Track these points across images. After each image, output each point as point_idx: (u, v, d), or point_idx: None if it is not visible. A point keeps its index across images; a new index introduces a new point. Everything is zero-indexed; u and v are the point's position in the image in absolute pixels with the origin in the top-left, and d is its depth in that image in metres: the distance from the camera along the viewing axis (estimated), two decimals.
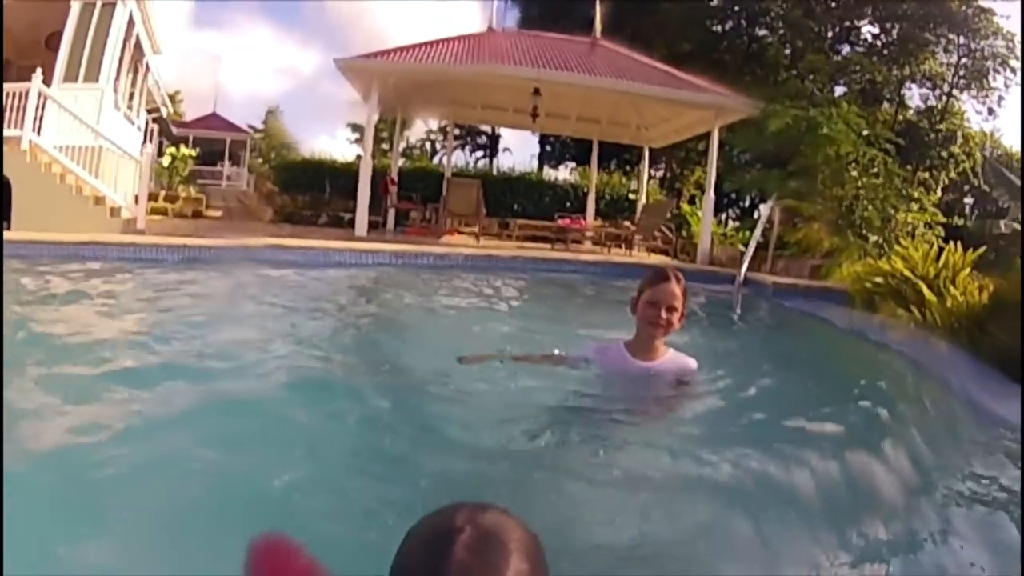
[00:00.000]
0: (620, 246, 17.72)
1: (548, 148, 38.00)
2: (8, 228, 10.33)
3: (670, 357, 4.22)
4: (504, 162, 42.72)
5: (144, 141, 19.35)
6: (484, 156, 45.14)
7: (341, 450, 3.49)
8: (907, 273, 7.99)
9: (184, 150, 23.79)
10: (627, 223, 19.31)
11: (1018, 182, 6.95)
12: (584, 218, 21.00)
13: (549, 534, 2.33)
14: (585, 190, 23.51)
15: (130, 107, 17.99)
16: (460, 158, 39.96)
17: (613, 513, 3.00)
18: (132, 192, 13.11)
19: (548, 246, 17.28)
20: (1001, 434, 4.10)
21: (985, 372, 5.30)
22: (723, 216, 29.83)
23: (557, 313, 8.71)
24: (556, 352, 4.45)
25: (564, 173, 34.90)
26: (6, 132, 11.50)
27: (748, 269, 10.54)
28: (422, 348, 5.81)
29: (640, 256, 16.50)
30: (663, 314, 4.04)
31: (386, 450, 3.59)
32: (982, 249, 7.73)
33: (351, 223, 15.58)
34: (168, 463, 3.12)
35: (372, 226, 15.80)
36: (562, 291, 10.88)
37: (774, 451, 3.55)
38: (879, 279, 8.40)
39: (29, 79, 12.27)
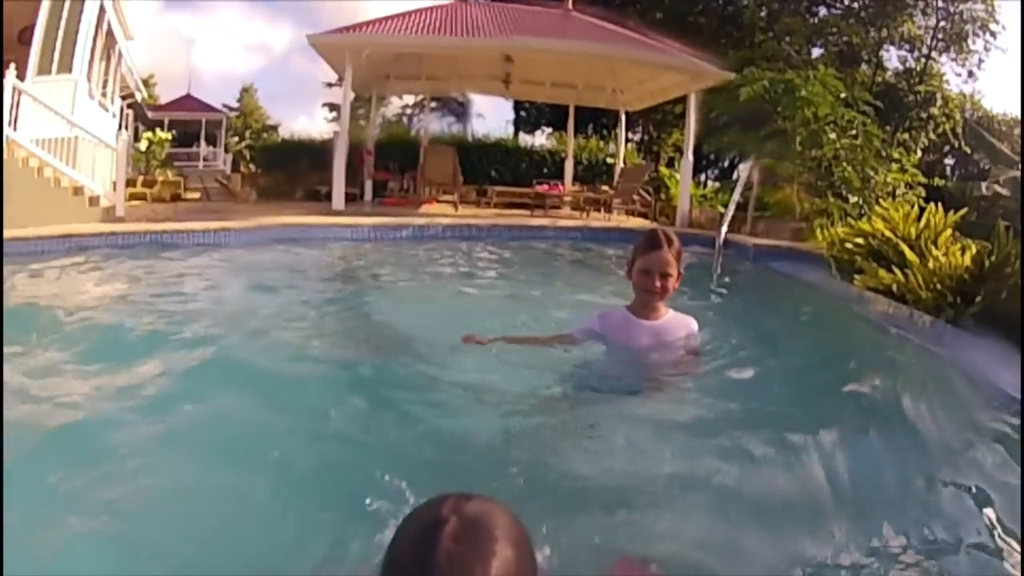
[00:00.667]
0: (599, 210, 17.70)
1: (523, 114, 37.85)
2: None
3: (672, 317, 4.22)
4: (478, 128, 42.67)
5: (120, 127, 19.27)
6: (457, 122, 44.99)
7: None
8: (888, 234, 7.95)
9: (160, 134, 23.61)
10: (605, 187, 19.34)
11: (999, 144, 6.95)
12: (562, 183, 21.02)
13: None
14: (562, 155, 23.45)
15: (104, 94, 17.89)
16: (434, 125, 39.89)
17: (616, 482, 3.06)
18: (110, 180, 13.08)
19: (527, 212, 17.29)
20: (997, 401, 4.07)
21: (966, 338, 5.31)
22: (703, 177, 29.90)
23: (542, 280, 8.79)
24: (558, 331, 4.46)
25: (540, 139, 34.79)
26: None
27: (728, 231, 10.59)
28: (413, 324, 5.74)
29: (619, 220, 16.57)
30: (656, 282, 4.04)
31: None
32: (964, 210, 7.70)
33: (328, 196, 15.57)
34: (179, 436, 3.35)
35: (349, 199, 15.78)
36: (543, 257, 10.98)
37: (758, 429, 3.55)
38: (860, 240, 8.36)
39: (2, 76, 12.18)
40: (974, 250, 6.58)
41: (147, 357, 4.59)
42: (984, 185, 6.55)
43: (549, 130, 35.58)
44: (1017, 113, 36.54)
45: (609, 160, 23.98)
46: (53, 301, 6.29)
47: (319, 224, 11.15)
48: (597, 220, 15.88)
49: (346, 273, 9.06)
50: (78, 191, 12.05)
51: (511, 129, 37.19)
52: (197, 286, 7.47)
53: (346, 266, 9.49)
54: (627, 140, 25.23)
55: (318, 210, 13.92)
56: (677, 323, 4.23)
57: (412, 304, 7.02)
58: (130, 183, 16.05)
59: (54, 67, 14.31)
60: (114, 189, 12.52)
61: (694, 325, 4.26)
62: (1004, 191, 6.31)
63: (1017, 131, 35.78)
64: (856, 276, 7.68)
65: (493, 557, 1.34)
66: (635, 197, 18.00)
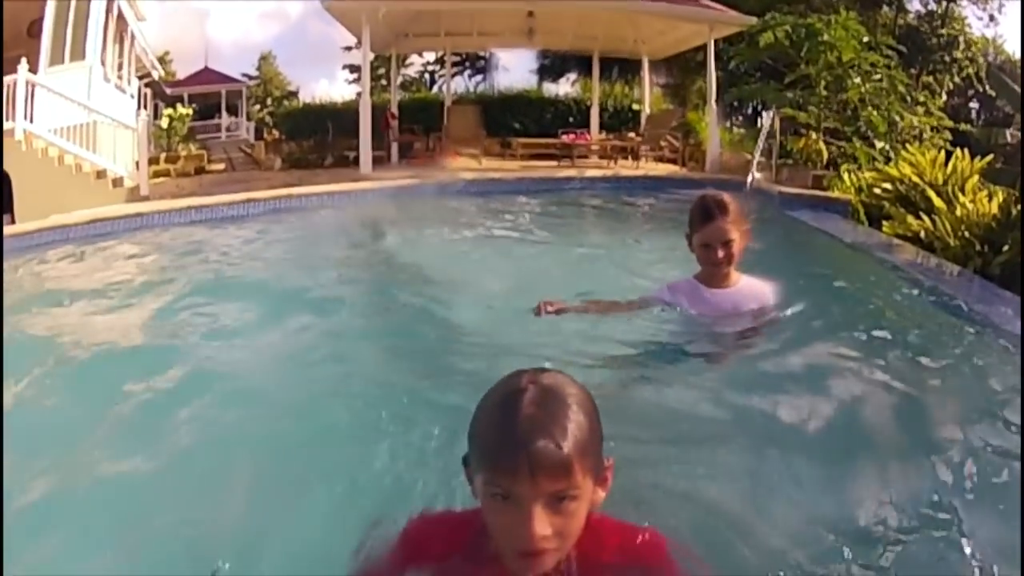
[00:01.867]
0: (627, 158, 17.51)
1: (547, 62, 37.48)
2: (12, 222, 10.30)
3: (744, 284, 4.07)
4: (502, 81, 42.26)
5: (138, 108, 19.25)
6: (483, 79, 44.65)
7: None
8: (915, 179, 7.89)
9: (180, 109, 23.61)
10: (632, 134, 19.11)
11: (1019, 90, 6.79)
12: (588, 132, 20.79)
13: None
14: (587, 104, 23.20)
15: (120, 77, 17.94)
16: (459, 83, 39.60)
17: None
18: (132, 160, 13.09)
19: (554, 163, 17.12)
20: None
21: (997, 294, 5.15)
22: (729, 122, 29.51)
23: (575, 234, 8.80)
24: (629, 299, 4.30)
25: (565, 87, 34.45)
26: None
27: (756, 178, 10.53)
28: (449, 288, 5.74)
29: (648, 167, 16.38)
30: (719, 252, 3.90)
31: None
32: (989, 156, 7.58)
33: (356, 161, 15.55)
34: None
35: (377, 161, 15.74)
36: (573, 209, 10.93)
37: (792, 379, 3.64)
38: (887, 185, 8.30)
39: (15, 71, 12.20)
40: (1001, 197, 6.53)
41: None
42: (1009, 132, 6.49)
43: (573, 76, 35.20)
44: None
45: (635, 107, 23.65)
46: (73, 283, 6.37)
47: (343, 191, 11.07)
48: (626, 168, 15.69)
49: (372, 235, 9.01)
50: (101, 175, 12.10)
51: (535, 79, 36.88)
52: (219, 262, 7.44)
53: (372, 228, 9.41)
54: (653, 85, 24.86)
55: (347, 176, 13.90)
56: (750, 291, 4.08)
57: (437, 266, 6.83)
58: (153, 161, 16.12)
59: (66, 56, 14.35)
60: (137, 168, 12.52)
61: (769, 294, 4.11)
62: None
63: None
64: (884, 223, 7.59)
65: (568, 420, 1.58)
66: (663, 143, 17.75)
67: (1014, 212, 6.16)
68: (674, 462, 2.93)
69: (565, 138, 18.54)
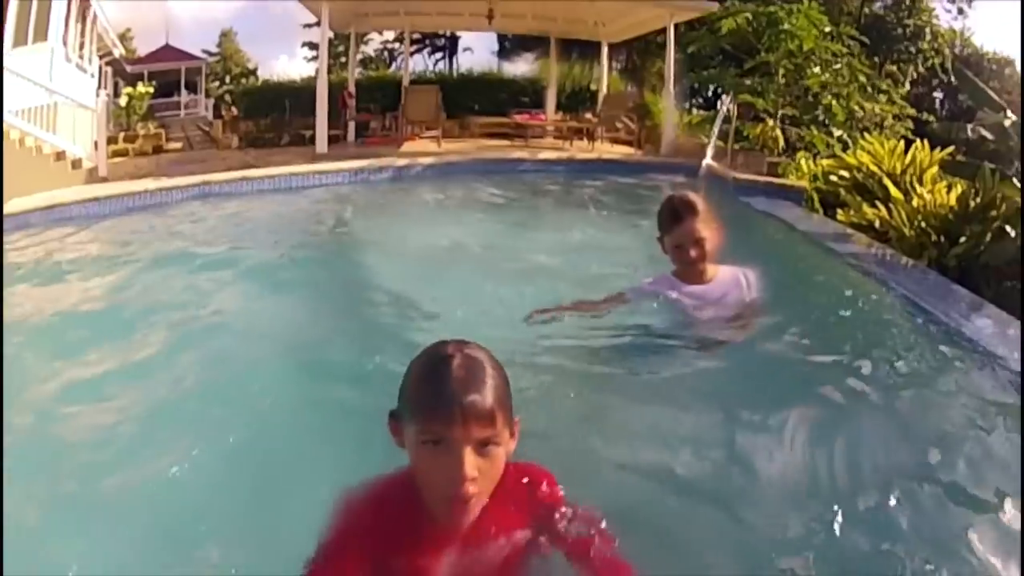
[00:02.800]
0: (583, 139, 17.65)
1: (507, 45, 37.50)
2: None
3: (721, 275, 4.11)
4: (464, 62, 42.22)
5: (99, 87, 19.14)
6: (443, 58, 44.56)
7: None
8: (873, 167, 7.91)
9: (141, 88, 23.44)
10: (588, 115, 19.29)
11: (985, 86, 6.84)
12: (544, 112, 20.94)
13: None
14: (544, 84, 23.34)
15: (81, 56, 17.77)
16: (419, 62, 39.56)
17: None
18: (91, 141, 13.05)
19: (508, 142, 17.23)
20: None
21: (952, 290, 5.16)
22: (689, 104, 29.68)
23: (530, 218, 8.78)
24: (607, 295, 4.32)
25: (524, 66, 34.51)
26: None
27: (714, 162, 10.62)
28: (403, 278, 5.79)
29: (603, 149, 16.54)
30: (692, 252, 3.94)
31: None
32: (950, 148, 7.61)
33: (312, 140, 15.52)
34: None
35: (333, 140, 15.75)
36: (528, 195, 10.90)
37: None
38: (845, 173, 8.33)
39: None
40: (960, 189, 6.55)
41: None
42: (970, 128, 6.46)
43: (532, 56, 35.25)
44: (1009, 53, 36.38)
45: (593, 87, 23.79)
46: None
47: (299, 173, 11.11)
48: (581, 151, 15.84)
49: (329, 222, 9.04)
50: (60, 156, 12.04)
51: (496, 60, 36.91)
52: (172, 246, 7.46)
53: (328, 215, 9.44)
54: (611, 67, 24.99)
55: (303, 154, 13.92)
56: (727, 280, 4.14)
57: (394, 255, 6.96)
58: (112, 140, 15.99)
59: (30, 37, 14.15)
60: (95, 149, 12.51)
61: (750, 277, 4.17)
62: (988, 135, 6.14)
63: (1007, 71, 35.63)
64: (839, 210, 7.62)
65: (489, 379, 1.89)
66: (619, 125, 17.94)
67: (972, 205, 6.17)
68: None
69: (519, 118, 18.71)
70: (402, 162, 12.36)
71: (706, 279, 4.07)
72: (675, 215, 3.96)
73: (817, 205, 8.46)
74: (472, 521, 1.96)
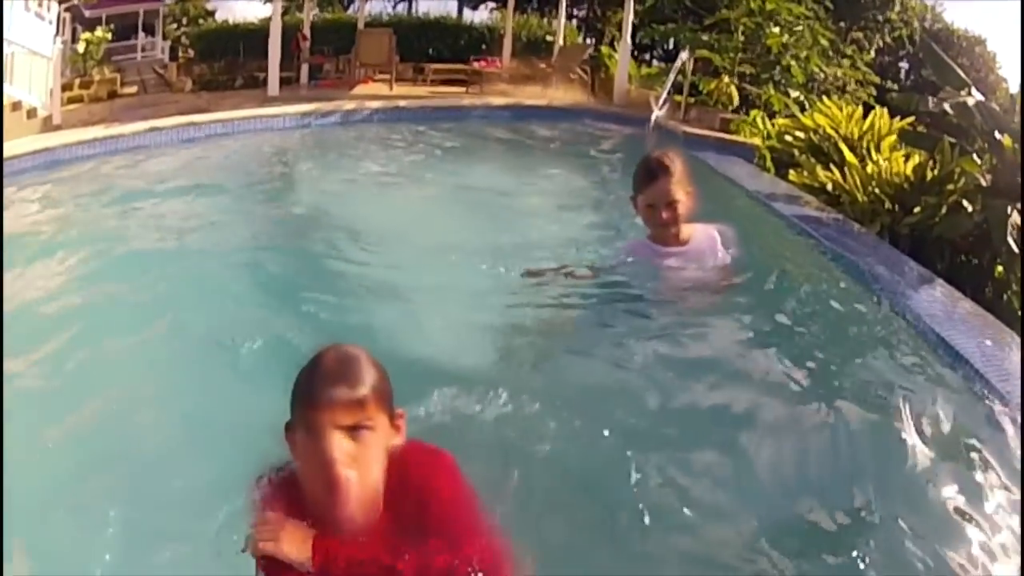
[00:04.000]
0: (536, 86, 17.73)
1: None
2: None
3: (695, 234, 4.09)
4: (423, 6, 41.70)
5: (57, 34, 18.87)
6: (403, 1, 44.00)
7: None
8: (829, 131, 7.82)
9: (99, 32, 23.16)
10: (543, 64, 19.37)
11: (951, 63, 6.75)
12: (500, 60, 20.98)
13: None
14: (502, 32, 23.32)
15: (40, 4, 17.53)
16: (376, 6, 39.05)
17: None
18: (47, 90, 12.99)
19: (462, 90, 17.22)
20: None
21: (903, 260, 5.17)
22: (648, 56, 29.58)
23: (478, 166, 8.84)
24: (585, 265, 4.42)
25: (483, 15, 34.25)
26: None
27: (665, 115, 10.61)
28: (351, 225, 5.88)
29: (554, 95, 16.64)
30: (664, 213, 3.92)
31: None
32: (911, 118, 7.54)
33: (266, 82, 15.48)
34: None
35: (286, 83, 15.61)
36: (475, 141, 10.96)
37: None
38: (800, 134, 8.25)
39: None
40: (917, 160, 6.48)
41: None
42: (932, 101, 6.27)
43: (493, 5, 35.00)
44: (979, 32, 36.38)
45: (549, 38, 23.77)
46: None
47: (246, 117, 11.15)
48: (532, 97, 15.93)
49: (275, 168, 9.08)
50: (16, 106, 12.01)
51: (455, 6, 36.52)
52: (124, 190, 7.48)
53: (275, 160, 9.49)
54: (571, 17, 24.91)
55: (255, 97, 13.88)
56: (702, 240, 4.12)
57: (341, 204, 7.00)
58: (67, 87, 15.83)
59: None
60: (51, 98, 12.51)
61: (726, 234, 4.19)
62: (950, 110, 6.04)
63: (977, 49, 35.57)
64: (792, 171, 7.54)
65: (360, 370, 2.01)
66: (572, 75, 18.03)
67: (929, 176, 6.14)
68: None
69: (476, 64, 18.77)
70: (350, 106, 12.33)
71: (681, 240, 4.05)
72: (650, 175, 3.96)
73: (769, 164, 8.43)
74: (361, 519, 2.02)
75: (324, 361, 2.03)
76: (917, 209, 5.91)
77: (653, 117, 10.25)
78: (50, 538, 2.51)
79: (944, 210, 5.78)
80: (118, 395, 3.32)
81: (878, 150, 7.21)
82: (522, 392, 3.10)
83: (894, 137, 7.40)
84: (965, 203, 5.66)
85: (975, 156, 5.89)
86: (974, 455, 2.92)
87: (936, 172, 6.15)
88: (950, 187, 5.91)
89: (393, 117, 12.08)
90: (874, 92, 15.50)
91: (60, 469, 2.83)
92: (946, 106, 6.01)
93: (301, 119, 11.31)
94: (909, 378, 3.55)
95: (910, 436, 2.95)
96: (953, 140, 6.08)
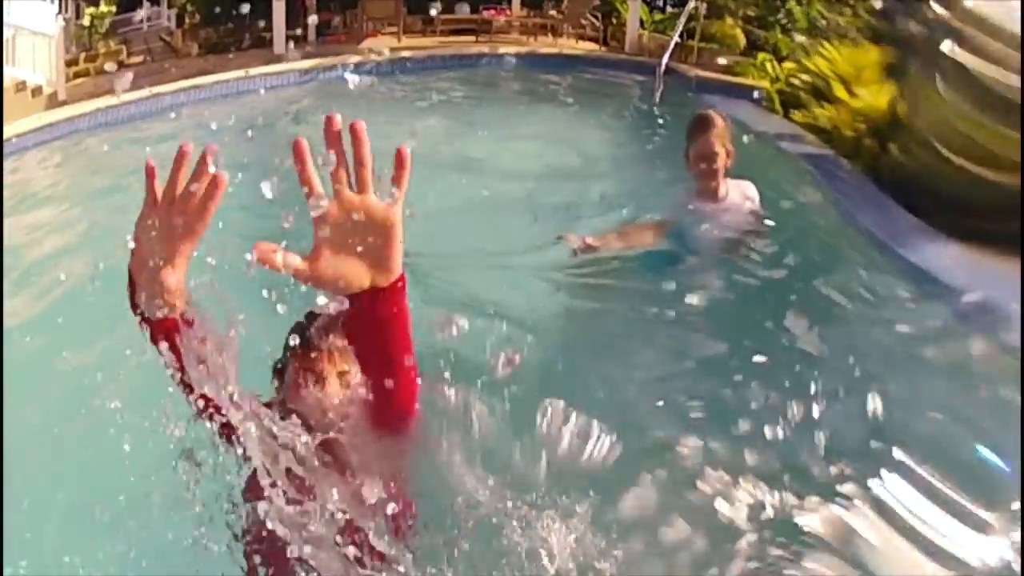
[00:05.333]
0: (547, 35, 17.49)
1: None
2: None
3: (732, 189, 4.35)
4: None
5: (59, 11, 18.67)
6: None
7: None
8: (827, 71, 7.96)
9: (102, 7, 22.94)
10: (553, 12, 19.02)
11: None
12: (510, 8, 20.61)
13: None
14: None
15: None
16: None
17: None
18: (51, 67, 12.88)
19: (472, 39, 17.04)
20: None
21: (881, 198, 5.35)
22: (661, 2, 29.07)
23: (488, 116, 8.81)
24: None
25: None
26: None
27: (675, 60, 10.55)
28: None
29: (566, 44, 16.38)
30: (703, 164, 4.17)
31: None
32: (885, 50, 7.60)
33: (273, 42, 15.38)
34: None
35: (294, 40, 15.59)
36: (485, 90, 10.94)
37: None
38: (805, 77, 8.37)
39: None
40: (890, 94, 6.56)
41: None
42: (899, 20, 6.60)
43: None
44: None
45: None
46: None
47: (251, 76, 10.96)
48: (544, 46, 15.65)
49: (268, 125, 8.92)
50: (20, 87, 11.89)
51: None
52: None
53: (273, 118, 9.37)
54: None
55: (262, 57, 13.66)
56: (738, 193, 4.37)
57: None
58: (72, 62, 15.72)
59: None
60: (55, 74, 12.37)
61: (752, 190, 4.43)
62: (915, 31, 6.24)
63: None
64: (796, 111, 7.78)
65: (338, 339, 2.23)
66: (584, 22, 17.73)
67: (899, 109, 6.19)
68: None
69: (486, 14, 18.44)
70: (355, 59, 12.18)
71: (722, 195, 4.30)
72: (699, 127, 4.20)
73: (778, 106, 8.54)
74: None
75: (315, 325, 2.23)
76: (894, 145, 5.95)
77: (663, 62, 10.10)
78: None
79: (919, 149, 5.74)
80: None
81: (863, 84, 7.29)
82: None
83: (875, 70, 7.43)
84: (934, 141, 5.53)
85: (937, 84, 5.68)
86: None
87: (905, 105, 6.16)
88: (918, 122, 5.88)
89: (400, 68, 12.02)
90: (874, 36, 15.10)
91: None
92: (910, 26, 6.20)
93: (306, 75, 11.13)
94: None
95: None
96: (920, 66, 6.08)
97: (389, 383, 1.86)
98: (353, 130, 1.61)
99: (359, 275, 1.62)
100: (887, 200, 5.33)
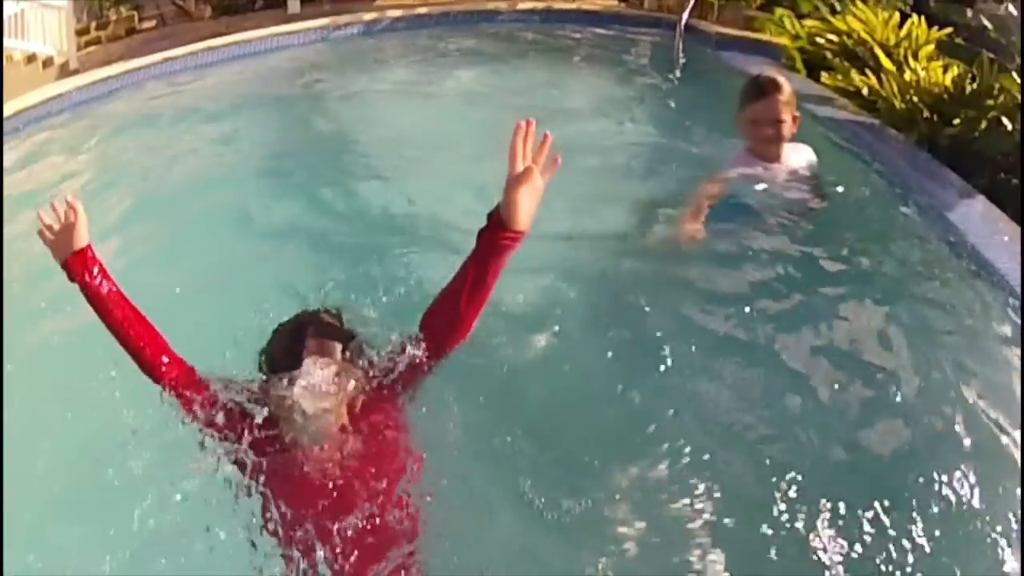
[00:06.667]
0: None
1: None
2: None
3: (789, 152, 4.30)
4: None
5: None
6: None
7: None
8: (864, 35, 7.62)
9: None
10: None
11: None
12: None
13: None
14: None
15: None
16: None
17: None
18: (62, 37, 12.73)
19: None
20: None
21: (942, 172, 5.17)
22: None
23: (510, 76, 8.61)
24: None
25: None
26: None
27: (695, 17, 10.26)
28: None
29: (585, 0, 16.06)
30: (768, 130, 4.09)
31: None
32: (949, 29, 7.26)
33: (287, 2, 15.07)
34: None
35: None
36: (505, 46, 10.58)
37: None
38: (833, 37, 8.03)
39: None
40: (956, 72, 6.32)
41: None
42: (969, 12, 6.35)
43: None
44: None
45: None
46: None
47: (263, 37, 10.77)
48: (561, 1, 15.33)
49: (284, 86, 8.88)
50: (31, 59, 11.77)
51: None
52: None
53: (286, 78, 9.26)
54: None
55: (276, 17, 13.42)
56: (796, 159, 4.33)
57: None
58: (83, 31, 15.62)
59: None
60: (65, 45, 12.24)
61: (811, 154, 4.40)
62: (988, 24, 6.06)
63: None
64: (824, 74, 7.44)
65: (337, 343, 2.63)
66: None
67: (968, 89, 6.02)
68: None
69: None
70: (369, 16, 11.91)
71: (778, 158, 4.25)
72: (759, 92, 4.14)
73: (800, 65, 8.22)
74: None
75: (309, 331, 2.67)
76: (956, 121, 5.83)
77: (683, 19, 9.90)
78: None
79: (984, 125, 5.69)
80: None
81: (916, 59, 6.98)
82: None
83: (932, 47, 7.19)
84: (1005, 120, 5.57)
85: (1014, 74, 5.75)
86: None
87: (975, 86, 5.99)
88: (989, 103, 5.77)
89: (416, 24, 11.66)
90: (910, 2, 14.68)
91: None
92: (983, 19, 6.04)
93: (319, 33, 10.92)
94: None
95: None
96: (992, 56, 5.96)
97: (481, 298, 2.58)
98: (544, 137, 2.51)
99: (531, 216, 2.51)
100: (945, 170, 5.17)
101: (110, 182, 5.89)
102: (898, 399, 3.05)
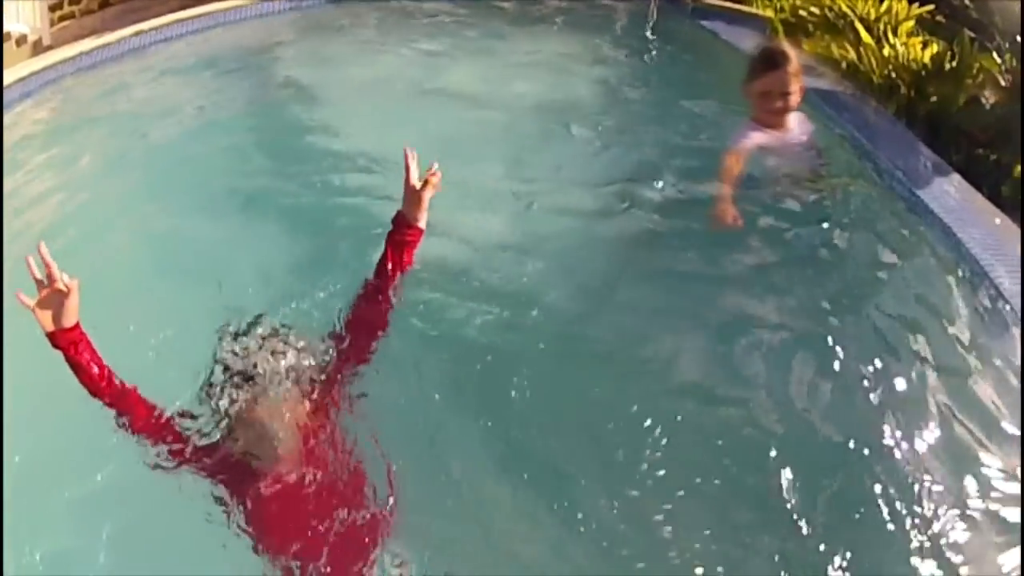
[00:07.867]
0: None
1: None
2: None
3: (793, 121, 4.36)
4: None
5: None
6: None
7: None
8: (845, 9, 7.56)
9: None
10: None
11: None
12: None
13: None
14: None
15: None
16: None
17: None
18: (35, 14, 12.64)
19: None
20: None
21: (916, 145, 5.23)
22: None
23: (479, 42, 8.39)
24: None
25: None
26: None
27: None
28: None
29: None
30: (777, 102, 4.15)
31: None
32: (931, 6, 7.22)
33: None
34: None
35: None
36: (474, 14, 10.48)
37: None
38: (815, 9, 7.92)
39: None
40: (935, 49, 6.37)
41: None
42: None
43: None
44: None
45: None
46: None
47: (234, 6, 10.68)
48: None
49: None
50: (6, 38, 11.69)
51: None
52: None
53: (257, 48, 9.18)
54: None
55: None
56: (800, 127, 4.40)
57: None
58: (56, 7, 15.50)
59: None
60: (38, 21, 12.14)
61: (808, 122, 4.50)
62: (968, 2, 6.24)
63: None
64: (805, 40, 7.43)
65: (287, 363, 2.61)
66: None
67: (947, 67, 6.06)
68: None
69: None
70: None
71: (785, 128, 4.31)
72: (770, 63, 4.19)
73: (782, 36, 7.93)
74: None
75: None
76: (933, 99, 5.90)
77: None
78: None
79: (963, 100, 5.77)
80: None
81: (895, 34, 6.96)
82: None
83: (912, 23, 7.13)
84: (984, 97, 5.68)
85: (994, 54, 5.85)
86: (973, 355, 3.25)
87: (954, 64, 6.03)
88: (968, 82, 5.87)
89: None
90: None
91: None
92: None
93: (291, 2, 10.75)
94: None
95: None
96: (972, 35, 6.01)
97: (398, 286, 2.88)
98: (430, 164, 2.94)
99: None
100: (920, 145, 5.25)
101: (83, 158, 5.85)
102: (882, 395, 3.17)
